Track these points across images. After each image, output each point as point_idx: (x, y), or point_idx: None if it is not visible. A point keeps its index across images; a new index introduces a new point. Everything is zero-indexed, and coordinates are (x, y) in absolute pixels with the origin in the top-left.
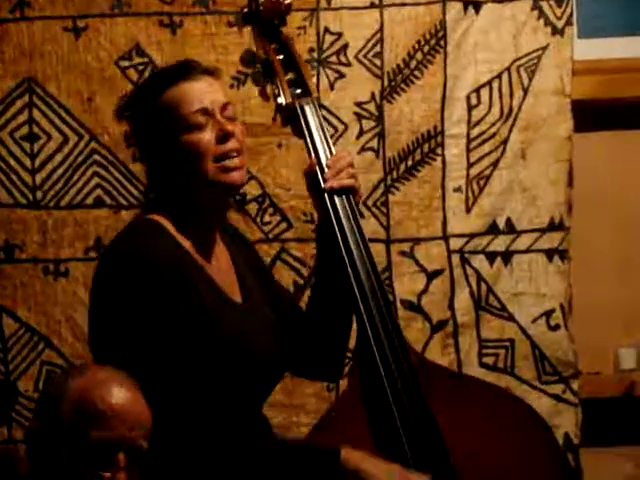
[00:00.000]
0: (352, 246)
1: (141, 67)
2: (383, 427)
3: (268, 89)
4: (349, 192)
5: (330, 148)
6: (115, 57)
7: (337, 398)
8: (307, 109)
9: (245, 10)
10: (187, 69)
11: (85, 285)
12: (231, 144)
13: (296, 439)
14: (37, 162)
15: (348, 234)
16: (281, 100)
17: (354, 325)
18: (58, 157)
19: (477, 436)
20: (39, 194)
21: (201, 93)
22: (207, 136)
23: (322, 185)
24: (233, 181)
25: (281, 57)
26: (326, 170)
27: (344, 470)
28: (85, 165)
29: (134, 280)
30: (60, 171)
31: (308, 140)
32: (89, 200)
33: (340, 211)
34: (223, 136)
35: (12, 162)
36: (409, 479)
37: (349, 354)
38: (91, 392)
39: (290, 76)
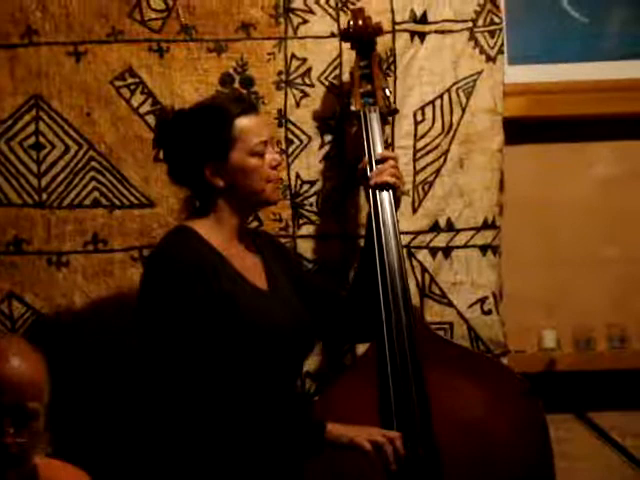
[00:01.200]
0: (383, 233)
1: (133, 86)
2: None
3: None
4: (391, 188)
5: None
6: (110, 77)
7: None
8: (370, 117)
9: (343, 29)
10: (251, 105)
11: (83, 274)
12: (279, 170)
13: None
14: (42, 168)
15: (382, 223)
16: (352, 107)
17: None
18: (61, 163)
19: (460, 395)
20: (44, 195)
21: (263, 127)
22: (265, 163)
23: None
24: (278, 198)
25: (366, 72)
26: (374, 168)
27: (328, 439)
28: (84, 171)
29: (165, 277)
30: (62, 176)
31: (365, 142)
32: (87, 201)
33: (379, 204)
34: (277, 164)
35: (21, 167)
36: (371, 434)
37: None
38: None
39: (367, 88)
